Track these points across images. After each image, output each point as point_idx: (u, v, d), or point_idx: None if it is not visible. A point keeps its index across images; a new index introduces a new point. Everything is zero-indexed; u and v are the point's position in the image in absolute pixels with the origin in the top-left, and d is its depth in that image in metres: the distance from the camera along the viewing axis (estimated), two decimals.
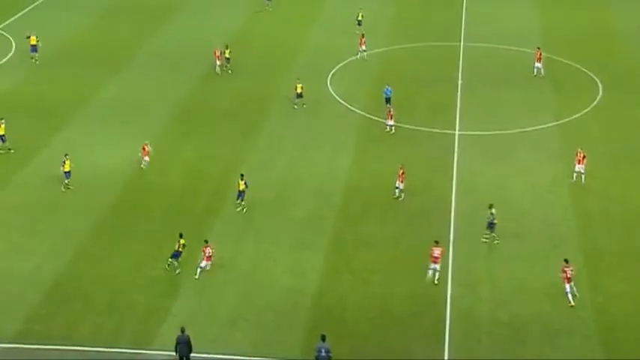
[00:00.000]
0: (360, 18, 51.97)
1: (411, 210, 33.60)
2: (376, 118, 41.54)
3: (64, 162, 34.05)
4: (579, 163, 35.13)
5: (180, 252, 29.38)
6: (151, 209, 33.17)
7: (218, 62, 45.75)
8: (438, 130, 40.38)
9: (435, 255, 28.83)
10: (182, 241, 29.44)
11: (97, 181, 35.17)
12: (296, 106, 42.17)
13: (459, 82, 45.76)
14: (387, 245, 31.34)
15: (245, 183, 32.73)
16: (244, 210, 32.48)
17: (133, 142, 38.59)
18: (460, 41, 51.50)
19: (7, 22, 53.01)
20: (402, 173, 33.92)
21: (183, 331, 25.00)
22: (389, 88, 41.42)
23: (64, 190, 33.96)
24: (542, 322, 27.15)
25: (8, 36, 50.85)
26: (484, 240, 31.25)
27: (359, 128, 40.77)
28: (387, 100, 41.24)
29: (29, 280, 28.58)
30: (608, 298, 28.33)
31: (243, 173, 33.16)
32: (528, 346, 26.20)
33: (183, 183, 35.38)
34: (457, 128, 40.60)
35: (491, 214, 31.17)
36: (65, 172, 33.97)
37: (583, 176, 35.14)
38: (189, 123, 40.97)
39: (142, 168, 35.42)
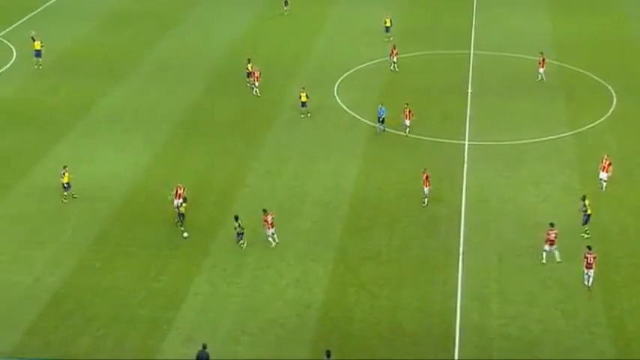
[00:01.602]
0: (387, 25, 52.23)
1: (420, 221, 33.67)
2: (385, 129, 41.59)
3: (64, 173, 34.18)
4: (604, 171, 35.10)
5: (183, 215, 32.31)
6: (153, 220, 33.32)
7: (257, 83, 44.53)
8: (447, 140, 40.50)
9: (551, 238, 30.19)
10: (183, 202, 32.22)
11: (99, 191, 35.37)
12: (302, 115, 42.39)
13: (469, 90, 45.90)
14: (395, 257, 31.40)
15: (239, 225, 31.24)
16: (244, 245, 31.43)
17: (135, 152, 38.88)
18: (470, 49, 51.69)
19: (8, 29, 53.51)
20: (427, 178, 34.20)
21: (205, 347, 24.94)
22: (382, 108, 40.92)
23: (65, 201, 34.08)
24: (556, 337, 27.09)
25: (9, 44, 51.34)
26: (584, 236, 31.66)
27: (366, 138, 40.93)
28: (381, 120, 40.80)
29: (29, 293, 28.73)
30: (624, 312, 28.26)
31: (237, 215, 31.54)
32: None
33: (188, 193, 35.48)
34: (467, 138, 40.68)
35: (585, 205, 31.61)
36: (64, 184, 34.09)
37: (605, 184, 35.18)
38: (193, 132, 41.20)
39: (177, 209, 32.87)
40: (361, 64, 49.18)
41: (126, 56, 50.15)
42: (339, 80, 47.23)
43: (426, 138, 40.79)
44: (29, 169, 37.03)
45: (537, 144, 40.06)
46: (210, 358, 24.91)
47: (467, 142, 40.33)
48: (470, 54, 50.97)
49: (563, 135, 40.90)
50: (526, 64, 48.91)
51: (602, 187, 35.19)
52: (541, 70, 46.17)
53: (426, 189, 34.26)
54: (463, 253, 31.44)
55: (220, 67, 48.82)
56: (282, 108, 43.91)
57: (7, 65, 47.87)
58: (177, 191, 33.13)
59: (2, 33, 52.74)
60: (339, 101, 44.82)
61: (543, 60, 46.17)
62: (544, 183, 36.45)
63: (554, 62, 47.96)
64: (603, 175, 35.12)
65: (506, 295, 29.20)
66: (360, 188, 36.29)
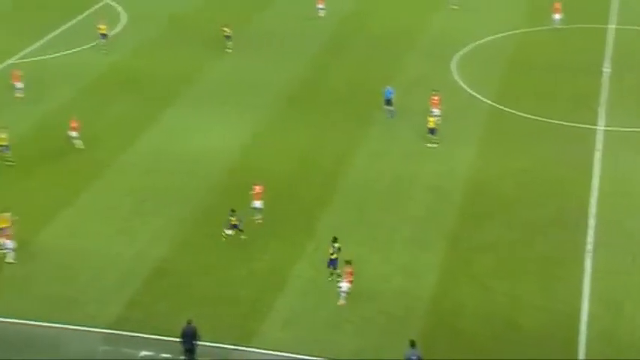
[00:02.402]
0: None
1: (543, 214, 32.52)
2: (507, 109, 40.48)
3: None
4: None
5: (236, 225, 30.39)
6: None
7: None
8: (578, 125, 38.86)
9: None
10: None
11: (202, 164, 36.32)
12: (431, 144, 37.07)
13: (605, 70, 43.76)
14: (513, 251, 30.52)
15: (335, 246, 28.59)
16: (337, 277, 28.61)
17: (240, 125, 39.65)
18: (609, 23, 49.18)
19: None
20: None
21: (189, 322, 25.20)
22: (389, 89, 39.34)
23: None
24: None
25: (118, 7, 53.43)
26: None
27: (486, 119, 39.90)
28: (388, 102, 39.39)
29: (131, 265, 29.91)
30: None
31: (336, 236, 28.79)
32: None
33: (292, 170, 35.94)
34: (601, 123, 38.87)
35: None
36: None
37: None
38: (300, 107, 41.51)
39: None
40: (482, 38, 47.88)
41: (235, 24, 50.93)
42: (458, 55, 46.24)
43: (553, 121, 39.31)
44: (135, 139, 38.47)
45: None
46: (198, 333, 25.04)
47: (601, 127, 38.53)
48: (609, 28, 48.49)
49: None
50: None
51: None
52: None
53: None
54: (592, 250, 30.12)
55: (329, 40, 48.90)
56: (393, 83, 43.36)
57: (116, 31, 49.86)
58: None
59: None
60: (456, 78, 43.90)
61: None
62: None
63: None
64: None
65: None
66: (476, 174, 35.47)
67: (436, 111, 38.15)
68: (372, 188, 34.51)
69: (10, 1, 53.76)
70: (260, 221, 31.85)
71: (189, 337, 25.13)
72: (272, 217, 32.55)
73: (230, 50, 46.75)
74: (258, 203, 32.05)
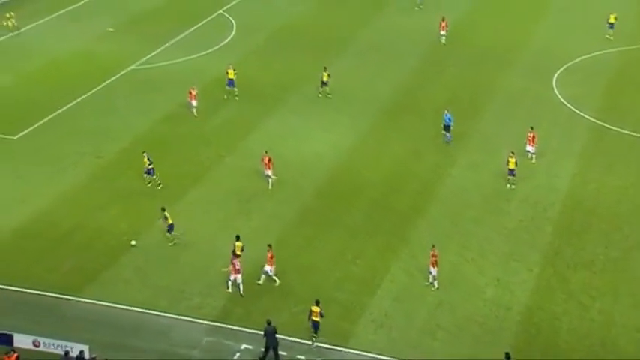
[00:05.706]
0: (611, 21, 48.33)
1: None
2: (609, 126, 39.02)
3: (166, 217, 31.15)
4: None
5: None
6: (354, 202, 33.98)
7: None
8: None
9: None
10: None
11: (303, 168, 36.72)
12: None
13: None
14: (612, 269, 29.42)
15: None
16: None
17: (341, 132, 39.83)
18: None
19: (230, 4, 56.99)
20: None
21: (269, 322, 25.42)
22: (448, 115, 37.68)
23: (170, 244, 31.14)
24: None
25: (230, 17, 54.78)
26: None
27: (587, 135, 38.60)
28: (446, 128, 37.78)
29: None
30: None
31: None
32: None
33: (389, 178, 35.84)
34: None
35: None
36: (169, 225, 31.24)
37: None
38: (399, 116, 41.34)
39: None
40: (585, 55, 46.35)
41: (339, 35, 51.30)
42: (559, 71, 44.93)
43: None
44: (240, 141, 39.22)
45: None
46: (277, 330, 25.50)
47: None
48: None
49: None
50: None
51: None
52: None
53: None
54: None
55: (431, 52, 48.49)
56: (494, 97, 42.65)
57: (227, 40, 51.13)
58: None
59: (224, 8, 56.30)
60: (557, 94, 42.64)
61: None
62: None
63: None
64: None
65: None
66: (575, 189, 34.37)
67: (531, 149, 36.01)
68: (468, 199, 33.97)
69: (132, 12, 55.94)
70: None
71: (271, 335, 25.49)
72: (369, 222, 32.53)
73: (329, 95, 42.42)
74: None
